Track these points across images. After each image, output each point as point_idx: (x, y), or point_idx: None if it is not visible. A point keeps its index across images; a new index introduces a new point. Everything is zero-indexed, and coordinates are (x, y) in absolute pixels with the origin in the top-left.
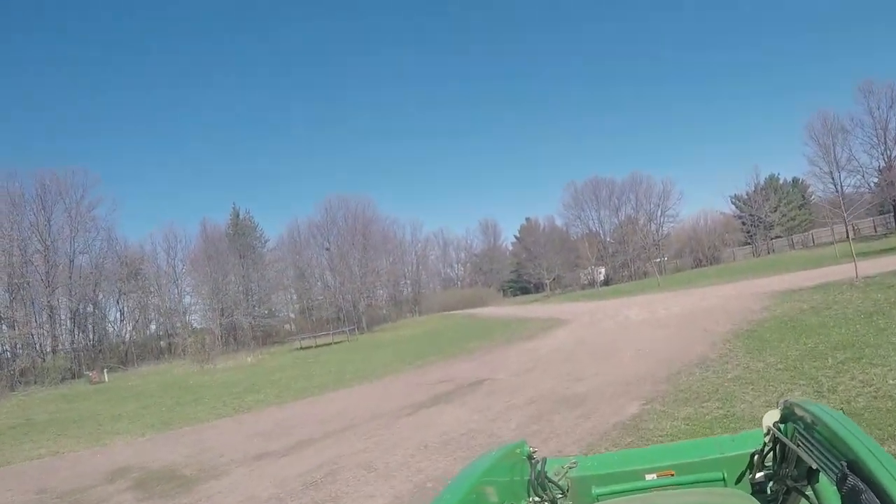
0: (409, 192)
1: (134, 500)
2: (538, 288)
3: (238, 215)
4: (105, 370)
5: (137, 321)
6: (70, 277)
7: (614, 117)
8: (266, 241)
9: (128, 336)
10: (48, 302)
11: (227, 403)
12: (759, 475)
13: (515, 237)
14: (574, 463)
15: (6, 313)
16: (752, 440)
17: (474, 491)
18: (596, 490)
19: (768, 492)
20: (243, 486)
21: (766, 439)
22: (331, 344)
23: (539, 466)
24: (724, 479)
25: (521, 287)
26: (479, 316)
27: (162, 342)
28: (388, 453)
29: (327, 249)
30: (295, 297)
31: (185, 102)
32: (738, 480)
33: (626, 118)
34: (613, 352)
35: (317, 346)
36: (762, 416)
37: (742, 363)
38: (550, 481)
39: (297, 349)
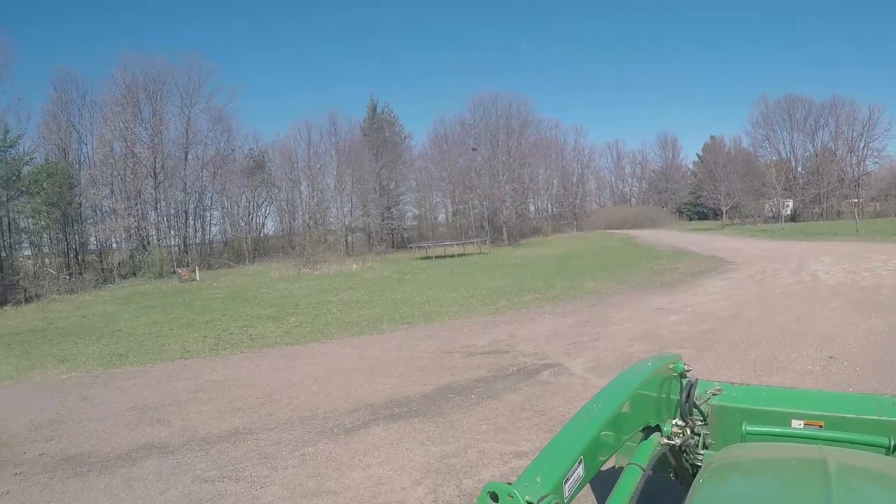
0: (577, 98)
1: None
2: (716, 214)
3: (375, 108)
4: (197, 268)
5: (262, 217)
6: (185, 170)
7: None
8: (406, 138)
9: (243, 233)
10: (154, 195)
11: (220, 336)
12: None
13: (697, 156)
14: (718, 389)
15: (112, 205)
16: None
17: (625, 403)
18: (747, 427)
19: None
20: None
21: None
22: (455, 256)
23: (690, 389)
24: (889, 447)
25: (698, 211)
26: (637, 240)
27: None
28: None
29: (473, 150)
30: (444, 200)
31: None
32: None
33: (826, 30)
34: (784, 352)
35: (437, 258)
36: None
37: None
38: (696, 407)
39: (417, 258)
